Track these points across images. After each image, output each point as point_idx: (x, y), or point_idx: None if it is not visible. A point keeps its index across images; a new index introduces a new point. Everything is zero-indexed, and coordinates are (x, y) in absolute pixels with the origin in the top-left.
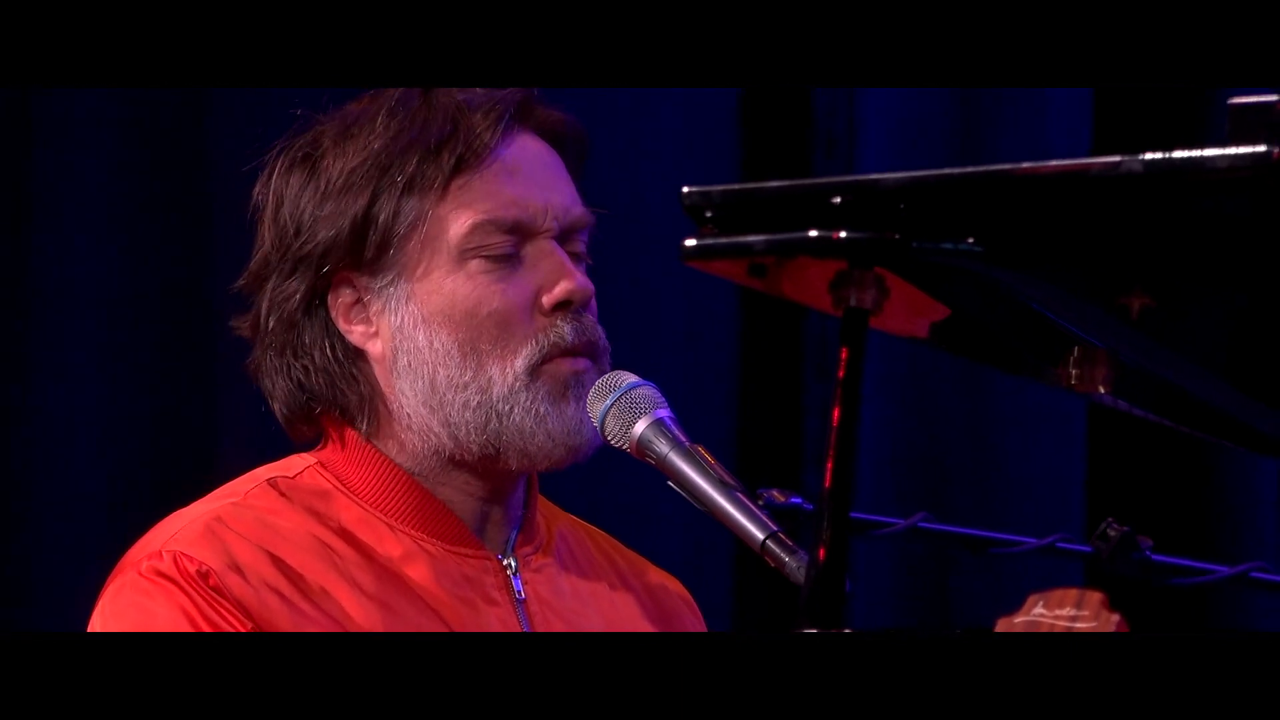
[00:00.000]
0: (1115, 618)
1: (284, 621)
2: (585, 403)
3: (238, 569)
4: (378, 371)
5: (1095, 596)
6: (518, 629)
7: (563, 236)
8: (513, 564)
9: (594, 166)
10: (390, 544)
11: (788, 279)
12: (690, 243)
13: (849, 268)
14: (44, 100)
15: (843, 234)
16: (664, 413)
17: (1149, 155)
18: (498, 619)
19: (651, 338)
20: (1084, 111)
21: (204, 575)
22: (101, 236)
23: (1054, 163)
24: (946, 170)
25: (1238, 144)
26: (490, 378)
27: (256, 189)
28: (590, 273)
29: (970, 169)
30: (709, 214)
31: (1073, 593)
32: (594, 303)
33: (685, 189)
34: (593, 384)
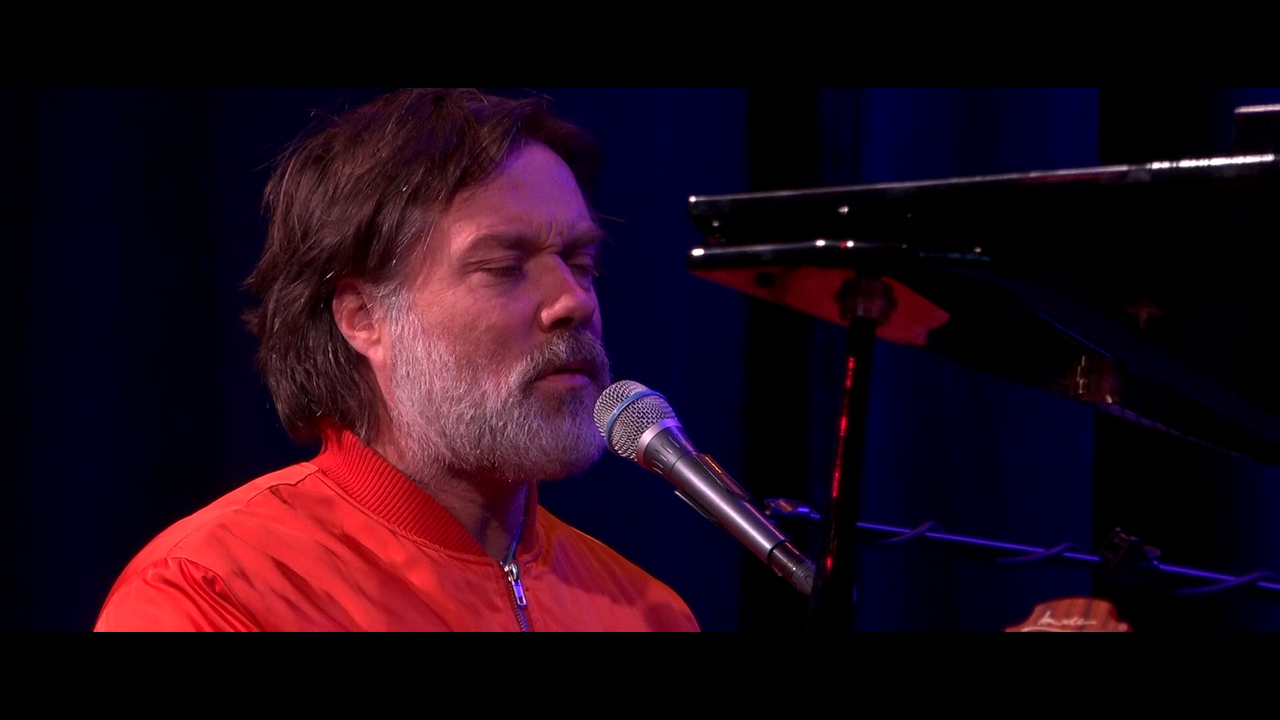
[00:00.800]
0: (1122, 627)
1: (290, 627)
2: (581, 419)
3: (243, 575)
4: (379, 378)
5: (1102, 606)
6: None
7: (568, 251)
8: (514, 571)
9: (601, 176)
10: (393, 550)
11: (795, 288)
12: (697, 252)
13: (856, 277)
14: (47, 101)
15: (850, 244)
16: (671, 422)
17: (1156, 165)
18: (500, 625)
19: (658, 347)
20: (1090, 120)
21: (210, 581)
22: (105, 239)
23: (1061, 172)
24: (954, 180)
25: (1245, 153)
26: (484, 392)
27: (268, 188)
28: (596, 283)
29: (977, 178)
30: (716, 223)
31: (1080, 602)
32: (597, 319)
33: (692, 198)
34: (590, 400)
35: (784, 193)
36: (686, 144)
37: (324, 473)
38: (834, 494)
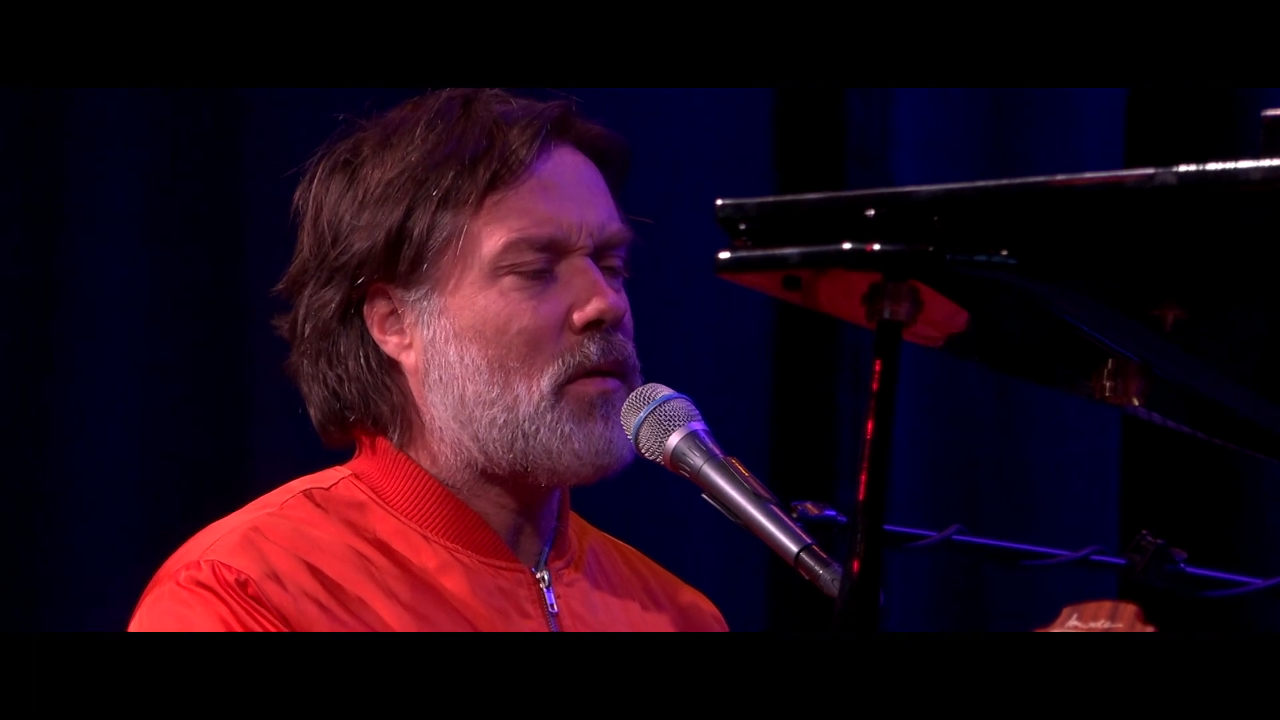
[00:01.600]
0: (1149, 629)
1: (321, 630)
2: (613, 422)
3: (276, 578)
4: (411, 383)
5: (1129, 609)
6: None
7: (598, 252)
8: (545, 577)
9: (628, 180)
10: (426, 555)
11: (822, 291)
12: (724, 255)
13: (883, 280)
14: (76, 102)
15: (876, 246)
16: (698, 425)
17: (1183, 168)
18: (531, 631)
19: (685, 350)
20: (1117, 122)
21: (243, 584)
22: (133, 239)
23: (1088, 175)
24: (980, 182)
25: (1272, 156)
26: (517, 396)
27: (297, 193)
28: (625, 285)
29: (1004, 181)
30: (743, 226)
31: (1107, 605)
32: (629, 321)
33: (719, 201)
34: (621, 403)
35: (811, 195)
36: (713, 146)
37: (357, 477)
38: (861, 496)
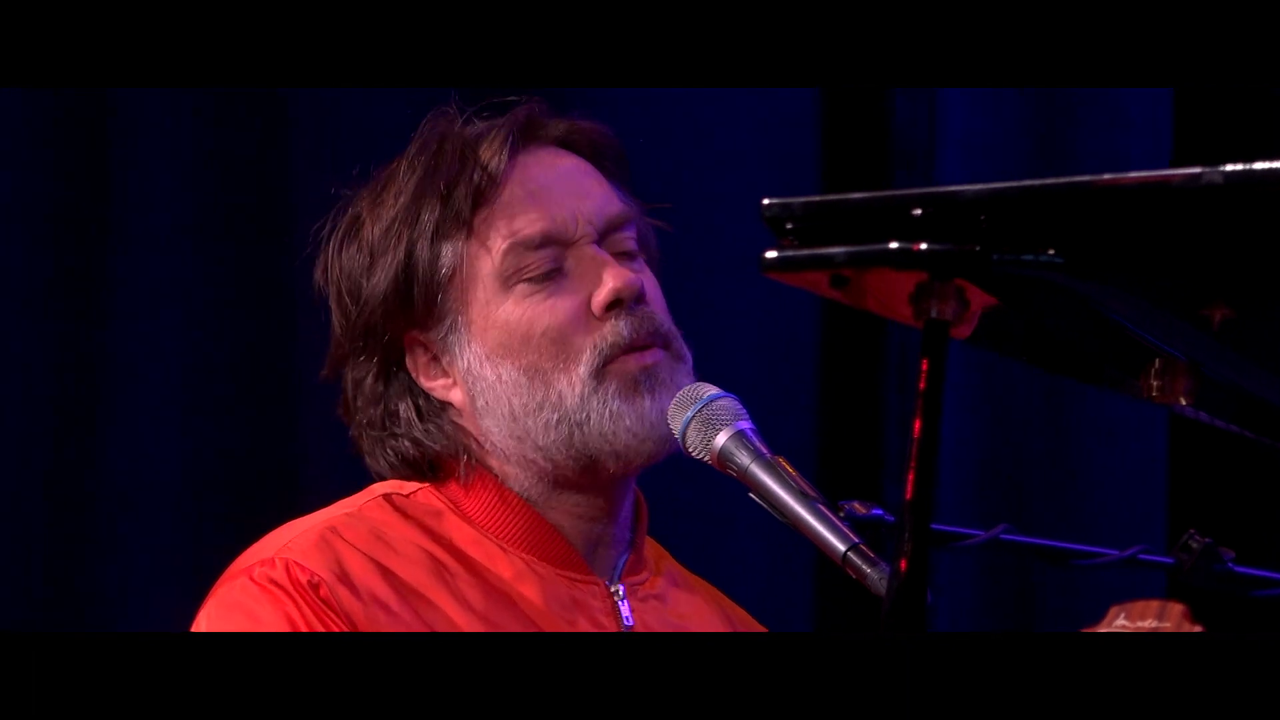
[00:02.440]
0: (1197, 629)
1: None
2: (660, 394)
3: (348, 581)
4: (464, 420)
5: (1177, 608)
6: None
7: (604, 237)
8: (620, 591)
9: (673, 178)
10: (502, 564)
11: (868, 290)
12: (771, 254)
13: (929, 279)
14: (123, 102)
15: (923, 246)
16: (745, 424)
17: (1230, 167)
18: None
19: (732, 349)
20: (1164, 121)
21: (315, 586)
22: (180, 240)
23: (1135, 174)
24: (1027, 182)
25: None
26: (560, 393)
27: (316, 275)
28: (667, 284)
29: (1051, 180)
30: (789, 226)
31: (1154, 604)
32: (654, 292)
33: (766, 201)
34: (666, 373)
35: (857, 195)
36: (759, 146)
37: (437, 488)
38: (908, 496)
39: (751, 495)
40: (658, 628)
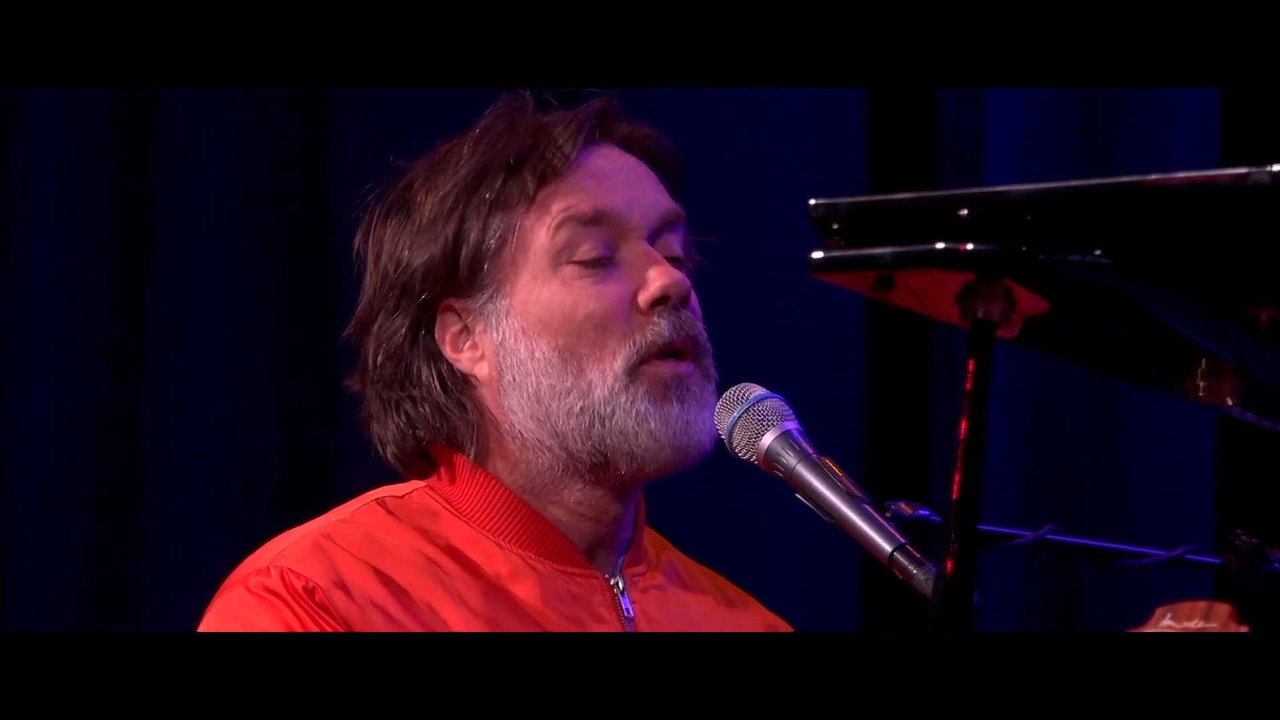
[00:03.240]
0: (1243, 630)
1: None
2: (689, 405)
3: (344, 586)
4: (486, 394)
5: (1223, 608)
6: None
7: (656, 237)
8: (620, 583)
9: (720, 179)
10: (498, 562)
11: (914, 291)
12: (817, 255)
13: (976, 280)
14: (167, 106)
15: (970, 246)
16: (791, 425)
17: (1276, 167)
18: None
19: (779, 349)
20: (1211, 122)
21: (310, 592)
22: (223, 245)
23: (1181, 174)
24: (1074, 182)
25: None
26: (590, 381)
27: (357, 241)
28: (714, 285)
29: (1097, 181)
30: (836, 226)
31: (1201, 605)
32: (695, 303)
33: (812, 201)
34: (697, 387)
35: (903, 195)
36: (806, 146)
37: (431, 489)
38: (954, 496)
39: (797, 496)
40: (660, 618)
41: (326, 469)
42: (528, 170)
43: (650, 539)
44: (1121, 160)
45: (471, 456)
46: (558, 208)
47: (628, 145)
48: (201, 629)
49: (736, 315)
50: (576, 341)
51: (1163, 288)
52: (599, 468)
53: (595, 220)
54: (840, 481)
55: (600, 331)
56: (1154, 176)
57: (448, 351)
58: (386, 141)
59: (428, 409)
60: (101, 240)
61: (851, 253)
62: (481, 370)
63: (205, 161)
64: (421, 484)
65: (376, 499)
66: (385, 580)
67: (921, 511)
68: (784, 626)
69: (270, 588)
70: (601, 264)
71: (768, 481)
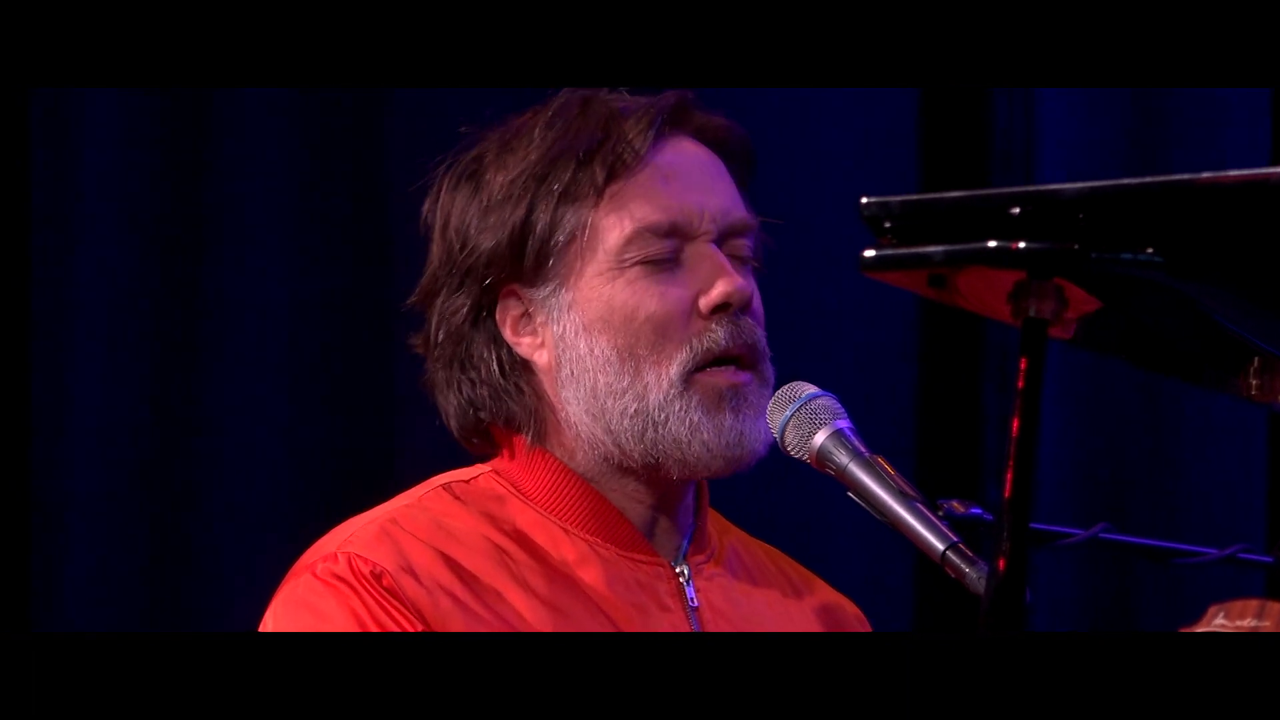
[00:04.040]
0: None
1: (457, 623)
2: (744, 415)
3: (411, 571)
4: (544, 382)
5: (1276, 607)
6: None
7: (723, 240)
8: (685, 571)
9: (772, 178)
10: (565, 547)
11: (967, 289)
12: (869, 253)
13: (1028, 278)
14: (219, 107)
15: (1022, 244)
16: (844, 423)
17: None
18: (670, 625)
19: (831, 348)
20: (1263, 120)
21: (378, 576)
22: (278, 241)
23: (1234, 172)
24: (1125, 180)
25: None
26: (646, 384)
27: (425, 206)
28: (766, 283)
29: (1149, 179)
30: (888, 224)
31: (1254, 603)
32: (758, 306)
33: (864, 199)
34: (754, 396)
35: (955, 193)
36: (858, 145)
37: (497, 473)
38: (1007, 495)
39: (850, 494)
40: (723, 605)
41: (380, 468)
42: (598, 163)
43: (713, 521)
44: (1173, 160)
45: (530, 441)
46: (629, 215)
47: (699, 135)
48: (268, 616)
49: (789, 313)
50: (635, 342)
51: (1215, 286)
52: (650, 468)
53: (668, 234)
54: (892, 480)
55: (659, 334)
56: (1206, 175)
57: (508, 335)
58: (439, 141)
59: (486, 392)
60: (153, 241)
61: (903, 251)
62: (541, 358)
63: (257, 162)
64: (487, 468)
65: (443, 484)
66: (453, 565)
67: (974, 510)
68: (849, 605)
69: (338, 574)
70: (666, 265)
71: (820, 480)
